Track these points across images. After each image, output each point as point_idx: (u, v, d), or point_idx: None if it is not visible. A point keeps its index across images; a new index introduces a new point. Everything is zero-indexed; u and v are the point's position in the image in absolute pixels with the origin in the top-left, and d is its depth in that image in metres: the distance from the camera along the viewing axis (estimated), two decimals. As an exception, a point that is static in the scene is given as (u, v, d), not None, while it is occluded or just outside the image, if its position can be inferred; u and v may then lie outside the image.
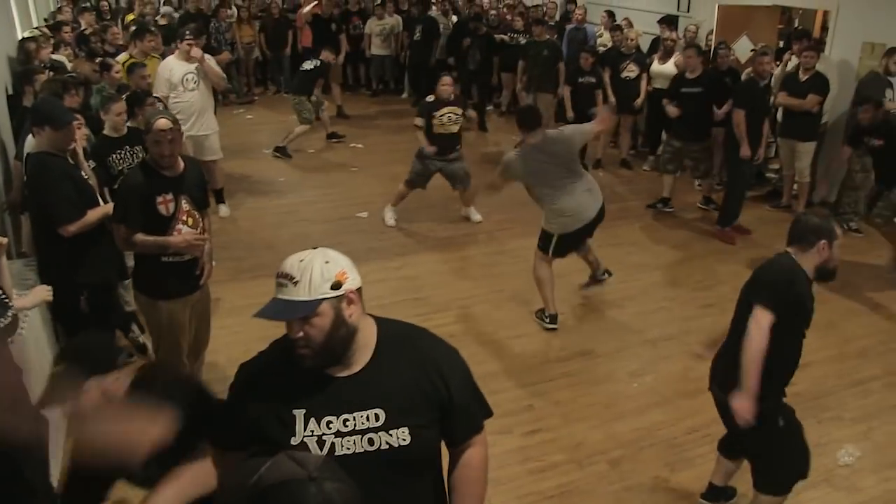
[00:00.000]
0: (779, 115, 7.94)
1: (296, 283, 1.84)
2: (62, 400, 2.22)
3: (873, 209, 6.63)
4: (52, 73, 5.98)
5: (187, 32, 6.91)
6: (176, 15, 12.15)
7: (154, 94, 6.07)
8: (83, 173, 4.28)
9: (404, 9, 13.00)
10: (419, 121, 7.11)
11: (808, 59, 7.47)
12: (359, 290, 1.93)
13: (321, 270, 1.85)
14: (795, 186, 7.93)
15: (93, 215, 4.05)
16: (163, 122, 3.77)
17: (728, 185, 7.50)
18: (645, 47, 9.74)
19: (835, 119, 8.01)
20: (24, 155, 4.50)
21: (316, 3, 12.14)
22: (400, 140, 9.55)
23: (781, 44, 9.34)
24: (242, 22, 12.26)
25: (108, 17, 11.45)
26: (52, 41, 7.71)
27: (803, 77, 7.49)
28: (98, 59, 7.17)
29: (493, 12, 11.98)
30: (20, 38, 7.80)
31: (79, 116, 4.53)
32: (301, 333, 1.86)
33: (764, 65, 7.07)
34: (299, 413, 1.91)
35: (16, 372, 2.82)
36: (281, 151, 9.63)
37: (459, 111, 7.17)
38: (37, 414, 2.66)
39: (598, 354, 5.24)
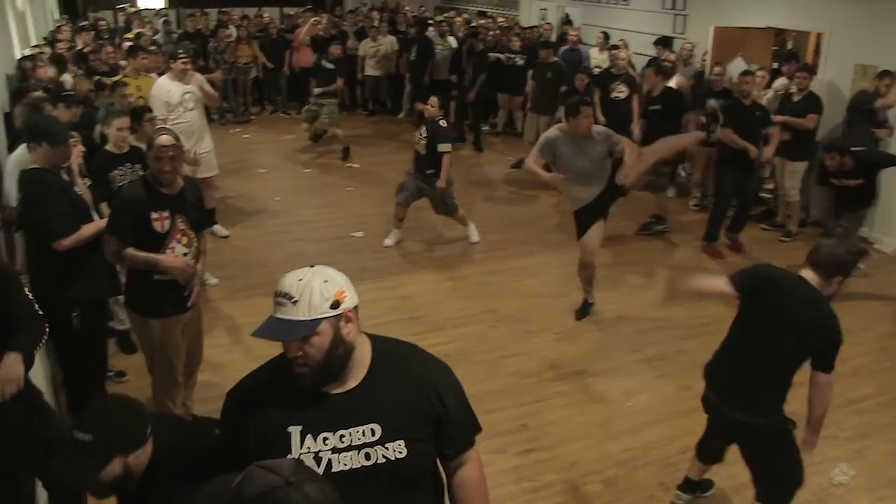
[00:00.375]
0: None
1: (295, 302, 1.84)
2: (82, 475, 2.10)
3: (834, 222, 6.71)
4: (45, 93, 6.00)
5: (180, 52, 6.95)
6: (174, 34, 12.24)
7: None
8: (77, 189, 4.29)
9: (401, 29, 13.10)
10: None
11: (802, 80, 7.64)
12: (356, 308, 1.94)
13: (321, 290, 1.85)
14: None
15: (87, 230, 4.05)
16: (165, 139, 3.79)
17: (715, 202, 7.63)
18: (640, 68, 9.80)
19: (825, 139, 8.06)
20: (9, 170, 4.50)
21: (313, 22, 12.24)
22: (395, 160, 9.58)
23: (776, 65, 9.40)
24: (241, 42, 12.33)
25: (107, 37, 11.51)
26: (47, 60, 7.73)
27: (797, 98, 7.65)
28: (95, 78, 7.21)
29: (490, 33, 12.05)
30: (18, 57, 7.84)
31: (75, 133, 4.54)
32: (300, 353, 1.86)
33: (744, 84, 7.26)
34: (295, 430, 1.91)
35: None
36: (346, 153, 10.38)
37: (425, 135, 7.05)
38: None
39: (593, 373, 5.23)
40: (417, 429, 1.97)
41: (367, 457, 1.92)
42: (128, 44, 8.93)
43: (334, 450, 1.91)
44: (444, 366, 2.11)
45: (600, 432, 4.59)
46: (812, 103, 7.59)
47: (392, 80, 12.89)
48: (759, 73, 8.44)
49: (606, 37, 10.98)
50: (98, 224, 4.14)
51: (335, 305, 1.86)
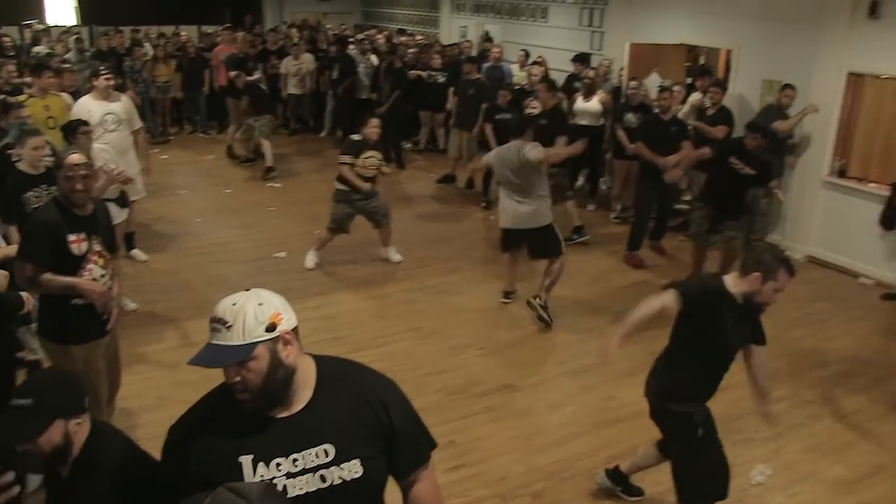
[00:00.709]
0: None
1: (229, 327, 1.82)
2: (24, 436, 2.11)
3: (712, 233, 6.72)
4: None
5: (102, 68, 6.73)
6: (87, 53, 11.89)
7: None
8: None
9: (322, 47, 13.04)
10: (348, 158, 6.96)
11: (715, 95, 8.07)
12: (295, 329, 1.92)
13: (255, 313, 1.83)
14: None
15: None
16: (75, 157, 3.66)
17: (636, 214, 7.88)
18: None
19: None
20: None
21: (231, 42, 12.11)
22: (318, 179, 9.53)
23: (690, 80, 9.70)
24: (158, 61, 12.07)
25: (12, 54, 11.09)
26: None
27: (711, 111, 8.03)
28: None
29: (410, 50, 12.09)
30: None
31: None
32: (238, 378, 1.83)
33: (663, 100, 7.56)
34: (246, 459, 1.87)
35: None
36: (268, 172, 10.25)
37: (380, 156, 7.11)
38: None
39: (519, 387, 5.26)
40: (370, 446, 1.97)
41: (323, 479, 1.90)
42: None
43: (288, 475, 1.88)
44: (389, 381, 2.11)
45: (527, 446, 4.62)
46: (724, 116, 7.99)
47: (314, 98, 12.82)
48: (676, 87, 8.70)
49: (527, 54, 11.16)
50: (5, 250, 3.98)
51: (271, 328, 1.84)
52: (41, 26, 13.92)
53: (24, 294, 3.78)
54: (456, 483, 4.22)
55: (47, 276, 3.66)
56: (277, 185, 10.13)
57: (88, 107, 6.48)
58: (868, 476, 4.44)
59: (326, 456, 1.91)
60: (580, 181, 9.65)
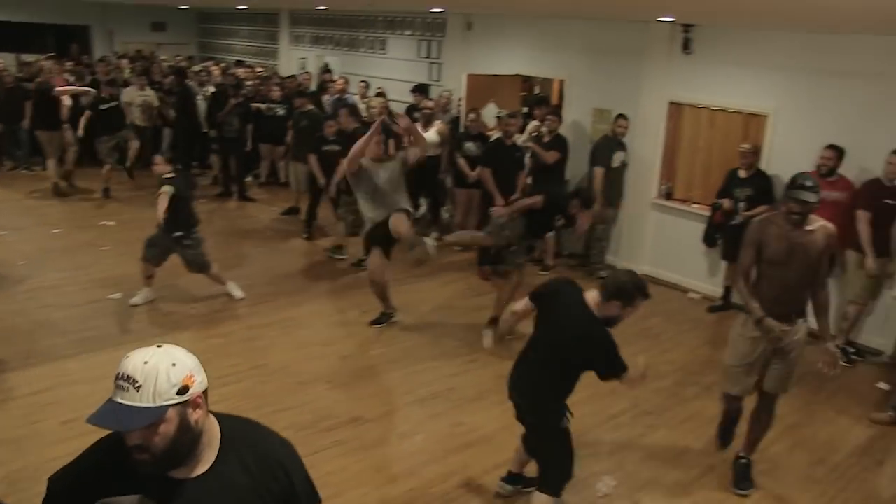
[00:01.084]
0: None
1: (139, 387, 1.68)
2: None
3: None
4: None
5: None
6: None
7: None
8: None
9: (156, 79, 12.53)
10: (170, 189, 6.63)
11: (552, 123, 8.45)
12: (205, 392, 1.81)
13: (167, 374, 1.71)
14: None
15: None
16: None
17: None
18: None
19: (574, 177, 8.72)
20: None
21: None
22: (154, 216, 9.09)
23: (526, 109, 10.05)
24: (-29, 92, 11.20)
25: None
26: None
27: (547, 138, 8.38)
28: None
29: (248, 83, 11.82)
30: None
31: None
32: (139, 441, 1.69)
33: (510, 126, 7.87)
34: None
35: None
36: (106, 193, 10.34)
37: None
38: None
39: (368, 419, 5.18)
40: None
41: None
42: None
43: None
44: (288, 444, 2.03)
45: (379, 477, 4.54)
46: (558, 143, 8.36)
47: (154, 131, 12.21)
48: (512, 119, 8.97)
49: (367, 85, 11.20)
50: None
51: (183, 391, 1.72)
52: None
53: None
54: (306, 522, 4.08)
55: None
56: (111, 222, 9.60)
57: None
58: (701, 476, 4.69)
59: None
60: (423, 209, 9.75)
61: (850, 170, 6.57)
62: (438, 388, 5.60)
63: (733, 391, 4.45)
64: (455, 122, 9.81)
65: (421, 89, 10.19)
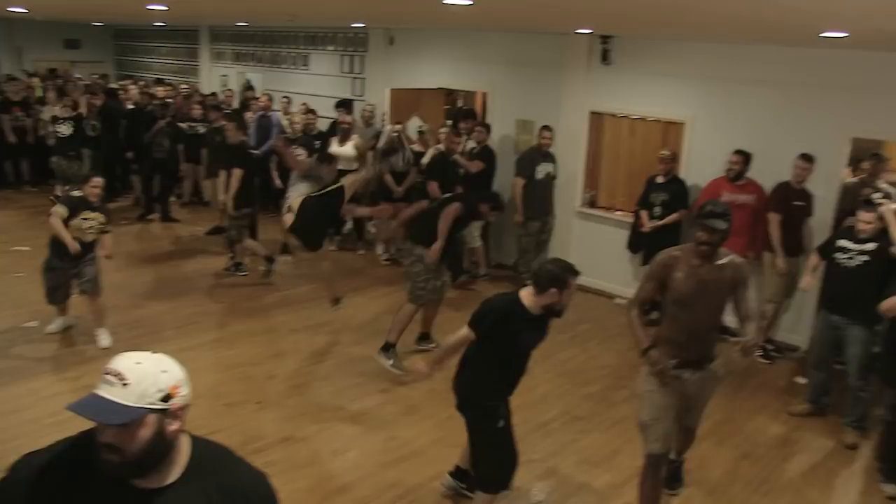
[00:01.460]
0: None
1: (126, 384, 1.67)
2: None
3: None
4: None
5: None
6: None
7: None
8: None
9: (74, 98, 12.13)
10: (62, 211, 6.21)
11: (479, 135, 8.56)
12: (186, 407, 1.77)
13: (156, 379, 1.71)
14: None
15: None
16: None
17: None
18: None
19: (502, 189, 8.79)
20: None
21: None
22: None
23: (450, 122, 10.09)
24: None
25: None
26: None
27: (476, 150, 8.47)
28: None
29: (169, 101, 11.57)
30: None
31: None
32: (112, 440, 1.64)
33: (453, 143, 7.92)
34: None
35: None
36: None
37: (103, 220, 6.38)
38: None
39: (299, 438, 5.10)
40: None
41: None
42: None
43: None
44: (261, 477, 1.97)
45: (311, 497, 4.46)
46: (485, 154, 8.47)
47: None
48: (442, 130, 9.00)
49: (289, 101, 11.11)
50: None
51: (166, 399, 1.71)
52: None
53: None
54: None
55: None
56: (26, 248, 9.23)
57: None
58: (632, 479, 4.73)
59: None
60: (348, 226, 9.71)
61: (761, 174, 6.82)
62: (370, 404, 5.56)
63: (655, 448, 4.03)
64: (378, 136, 9.79)
65: (344, 104, 10.13)
